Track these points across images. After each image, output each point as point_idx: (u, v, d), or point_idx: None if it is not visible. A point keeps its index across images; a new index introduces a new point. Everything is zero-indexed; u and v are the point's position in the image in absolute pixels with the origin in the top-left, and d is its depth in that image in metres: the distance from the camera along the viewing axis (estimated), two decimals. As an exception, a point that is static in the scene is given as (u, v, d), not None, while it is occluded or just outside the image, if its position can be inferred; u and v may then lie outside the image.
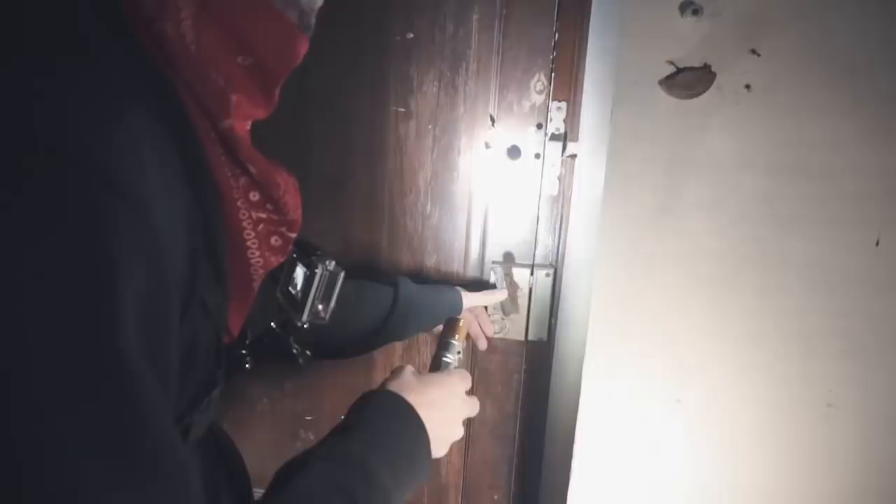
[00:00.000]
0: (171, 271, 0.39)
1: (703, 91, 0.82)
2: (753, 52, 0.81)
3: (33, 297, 0.30)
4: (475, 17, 1.11)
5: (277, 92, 0.52)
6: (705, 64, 0.82)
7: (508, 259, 1.17)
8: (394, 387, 0.70)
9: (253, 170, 0.51)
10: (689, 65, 0.83)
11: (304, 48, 0.52)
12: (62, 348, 0.31)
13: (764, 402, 0.90)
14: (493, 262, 1.16)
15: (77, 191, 0.32)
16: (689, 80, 0.82)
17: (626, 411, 0.95)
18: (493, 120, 1.13)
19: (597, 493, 0.98)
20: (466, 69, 1.13)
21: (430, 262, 1.19)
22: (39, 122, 0.32)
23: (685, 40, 0.82)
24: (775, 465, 0.92)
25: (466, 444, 1.28)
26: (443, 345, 0.92)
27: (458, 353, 0.91)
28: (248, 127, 0.52)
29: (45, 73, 0.34)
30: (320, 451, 0.59)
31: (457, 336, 0.93)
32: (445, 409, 0.72)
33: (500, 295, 1.10)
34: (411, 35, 1.12)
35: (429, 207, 1.18)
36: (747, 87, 0.83)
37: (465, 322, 0.92)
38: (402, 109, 1.15)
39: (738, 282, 0.88)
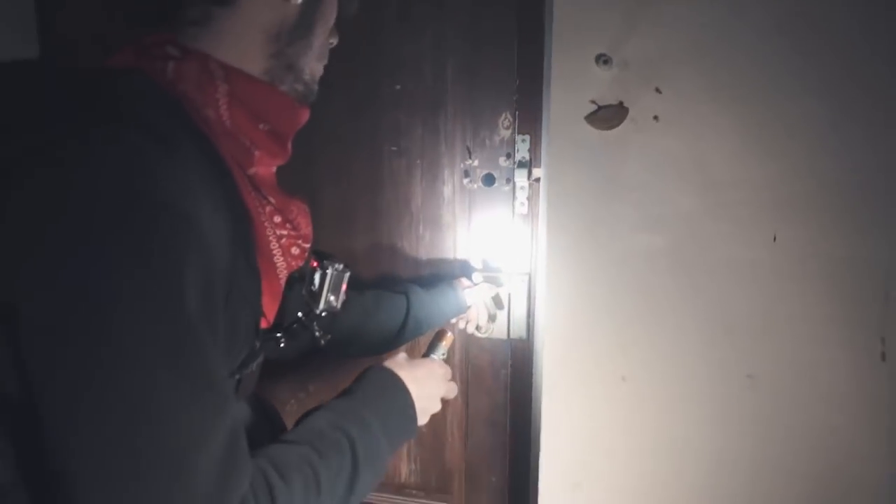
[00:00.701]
0: (217, 266, 0.60)
1: (619, 123, 1.03)
2: (657, 90, 1.02)
3: (141, 278, 0.51)
4: (449, 69, 1.34)
5: (290, 145, 0.75)
6: (620, 102, 1.03)
7: (490, 269, 1.38)
8: (388, 364, 0.91)
9: (273, 200, 0.74)
10: (606, 103, 1.03)
11: (305, 116, 0.76)
12: (153, 311, 0.52)
13: (693, 376, 1.08)
14: (477, 272, 1.37)
15: (163, 220, 0.53)
16: (607, 115, 1.03)
17: (581, 390, 1.14)
18: (469, 153, 1.35)
19: (562, 465, 1.16)
20: (445, 112, 1.36)
21: (425, 273, 1.41)
22: (140, 181, 0.53)
23: (602, 83, 1.03)
24: (705, 428, 1.09)
25: (466, 433, 1.47)
26: (431, 347, 1.11)
27: (443, 354, 1.10)
28: (274, 170, 0.75)
29: (139, 149, 0.55)
30: (328, 404, 0.81)
31: (443, 342, 1.12)
32: (426, 386, 0.93)
33: (494, 289, 1.30)
34: (398, 87, 1.36)
35: (421, 229, 1.40)
36: (655, 118, 1.03)
37: (451, 336, 1.11)
38: (394, 148, 1.38)
39: (664, 275, 1.08)
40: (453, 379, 1.00)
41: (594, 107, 1.04)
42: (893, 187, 0.99)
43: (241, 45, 0.70)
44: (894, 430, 1.01)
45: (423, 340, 1.42)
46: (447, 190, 1.38)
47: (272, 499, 0.62)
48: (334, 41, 0.81)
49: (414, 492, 1.54)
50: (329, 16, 0.77)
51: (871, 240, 0.99)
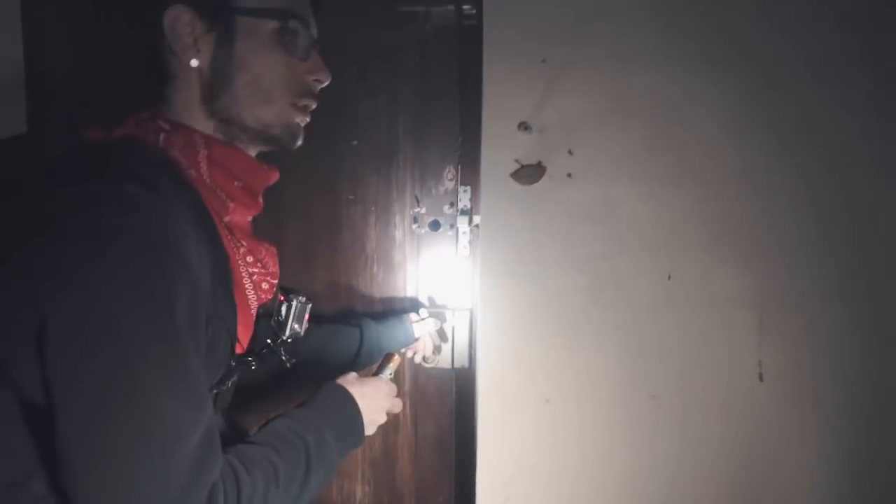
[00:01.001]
0: (200, 295, 0.74)
1: (539, 179, 1.23)
2: (569, 152, 1.22)
3: (140, 299, 0.66)
4: (401, 127, 1.53)
5: (261, 199, 0.91)
6: (539, 161, 1.23)
7: (437, 304, 1.55)
8: (340, 381, 1.06)
9: (245, 243, 0.89)
10: (528, 162, 1.23)
11: (275, 176, 0.93)
12: (149, 325, 0.66)
13: (606, 397, 1.26)
14: (424, 307, 1.54)
15: (159, 255, 0.68)
16: (529, 173, 1.22)
17: (512, 411, 1.30)
18: (418, 201, 1.54)
19: (495, 480, 1.32)
20: (397, 165, 1.54)
21: (378, 308, 1.57)
22: (140, 224, 0.68)
23: (524, 146, 1.24)
24: (618, 442, 1.27)
25: (415, 456, 1.62)
26: (380, 367, 1.27)
27: (390, 374, 1.26)
28: (249, 219, 0.92)
29: (137, 198, 0.70)
30: (288, 413, 0.94)
31: (390, 364, 1.27)
32: (373, 400, 1.06)
33: (439, 323, 1.47)
34: (356, 142, 1.55)
35: (375, 269, 1.57)
36: (569, 175, 1.23)
37: (398, 358, 1.26)
38: (351, 197, 1.56)
39: (581, 309, 1.27)
40: (399, 396, 1.15)
41: (518, 165, 1.23)
42: (765, 234, 1.20)
43: (190, 112, 0.86)
44: (774, 440, 1.19)
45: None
46: (398, 234, 1.56)
47: (238, 487, 0.73)
48: (323, 79, 0.91)
49: (367, 513, 1.67)
50: (251, 61, 0.85)
51: (747, 278, 1.20)
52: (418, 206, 1.54)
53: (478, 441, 1.33)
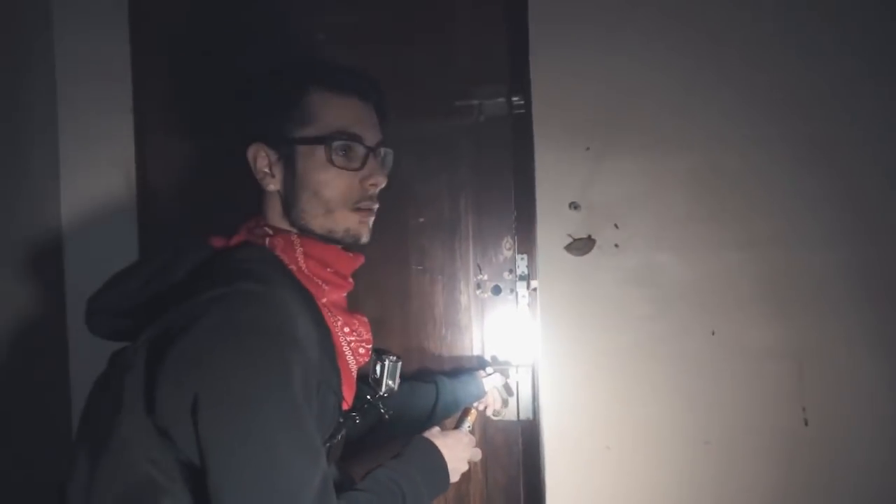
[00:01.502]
0: (310, 368, 0.87)
1: (589, 251, 1.41)
2: (615, 225, 1.40)
3: (265, 377, 0.85)
4: (462, 205, 1.74)
5: (351, 279, 1.11)
6: (588, 235, 1.41)
7: (501, 362, 1.72)
8: (427, 434, 1.22)
9: (340, 318, 1.09)
10: (579, 236, 1.41)
11: (360, 260, 1.13)
12: (274, 397, 0.84)
13: (663, 443, 1.41)
14: (490, 365, 1.71)
15: (277, 341, 0.87)
16: (580, 245, 1.40)
17: (575, 458, 1.45)
18: (480, 269, 1.73)
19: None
20: (460, 237, 1.74)
21: (448, 367, 1.75)
22: (262, 317, 0.88)
23: (575, 222, 1.42)
24: (674, 487, 1.40)
25: (487, 504, 1.76)
26: (459, 421, 1.43)
27: (469, 427, 1.42)
28: (344, 295, 1.12)
29: (259, 295, 0.90)
30: (386, 464, 1.10)
31: (468, 418, 1.44)
32: (456, 451, 1.18)
33: (504, 379, 1.63)
34: (422, 219, 1.76)
35: (443, 331, 1.76)
36: (616, 245, 1.41)
37: (475, 412, 1.43)
38: (420, 267, 1.76)
39: (635, 363, 1.42)
40: (477, 446, 1.31)
41: (570, 239, 1.42)
42: (801, 290, 1.34)
43: (279, 222, 1.08)
44: (821, 480, 1.31)
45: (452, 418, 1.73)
46: (463, 299, 1.75)
47: None
48: (379, 183, 1.07)
49: (444, 558, 1.81)
50: (311, 180, 1.03)
51: (785, 330, 1.34)
52: (480, 273, 1.72)
53: (545, 488, 1.47)
